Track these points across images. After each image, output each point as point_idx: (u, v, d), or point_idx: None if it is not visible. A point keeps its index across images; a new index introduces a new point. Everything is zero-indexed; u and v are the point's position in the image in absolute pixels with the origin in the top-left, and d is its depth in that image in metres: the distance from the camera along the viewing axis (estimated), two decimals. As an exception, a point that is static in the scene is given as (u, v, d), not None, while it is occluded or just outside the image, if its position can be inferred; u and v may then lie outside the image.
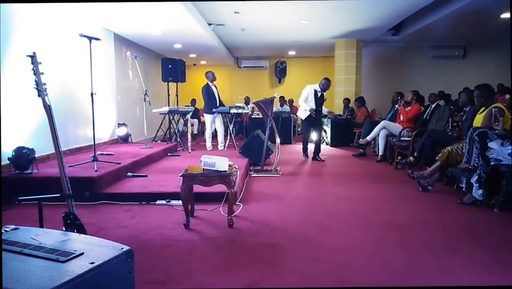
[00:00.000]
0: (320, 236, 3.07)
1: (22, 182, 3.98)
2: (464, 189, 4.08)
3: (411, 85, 8.98)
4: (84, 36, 4.51)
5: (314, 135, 6.84)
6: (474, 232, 3.17)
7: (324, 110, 7.43)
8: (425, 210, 3.79)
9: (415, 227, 3.25)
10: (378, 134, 6.58)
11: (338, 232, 3.15)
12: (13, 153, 4.13)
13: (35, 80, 2.34)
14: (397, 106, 6.87)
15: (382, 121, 6.70)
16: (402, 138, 5.99)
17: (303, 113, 6.65)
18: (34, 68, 2.35)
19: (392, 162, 6.26)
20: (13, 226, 1.72)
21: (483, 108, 4.22)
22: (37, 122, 4.64)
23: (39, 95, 2.35)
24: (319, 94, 6.59)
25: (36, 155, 4.30)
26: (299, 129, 11.25)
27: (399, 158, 5.91)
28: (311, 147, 6.93)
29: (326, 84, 6.58)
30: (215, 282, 2.26)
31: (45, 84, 2.37)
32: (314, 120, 6.65)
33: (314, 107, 6.51)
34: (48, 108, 2.36)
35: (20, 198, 2.38)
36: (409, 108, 6.44)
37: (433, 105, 6.68)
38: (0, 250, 1.42)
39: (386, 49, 11.53)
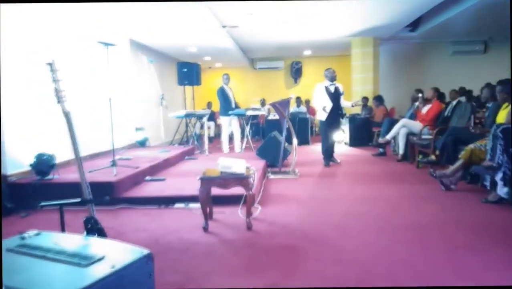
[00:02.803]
0: (339, 237, 3.02)
1: (44, 188, 4.06)
2: (488, 187, 3.96)
3: (430, 82, 8.80)
4: (101, 42, 4.58)
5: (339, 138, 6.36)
6: (499, 231, 3.07)
7: (348, 104, 6.39)
8: (448, 209, 3.69)
9: (438, 227, 3.17)
10: (398, 133, 6.46)
11: (357, 233, 3.10)
12: (34, 159, 4.23)
13: (54, 88, 2.38)
14: (416, 103, 6.74)
15: (402, 120, 6.57)
16: (423, 137, 5.87)
17: (322, 113, 6.10)
18: (53, 75, 2.39)
19: (413, 161, 6.13)
20: (35, 231, 1.74)
21: (507, 104, 4.10)
22: (57, 128, 4.72)
23: (58, 102, 2.40)
24: (332, 89, 6.06)
25: (57, 161, 4.39)
26: (316, 129, 11.20)
27: (420, 156, 5.79)
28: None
29: (329, 74, 6.08)
30: (235, 285, 2.25)
31: (63, 91, 2.41)
32: (334, 120, 6.16)
33: (331, 105, 5.97)
34: (67, 115, 2.40)
35: (42, 204, 2.42)
36: (429, 105, 6.30)
37: (454, 102, 6.54)
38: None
39: (404, 46, 11.34)
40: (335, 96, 6.07)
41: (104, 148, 6.11)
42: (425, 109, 6.33)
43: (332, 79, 6.11)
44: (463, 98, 7.51)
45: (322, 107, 6.02)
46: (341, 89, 6.18)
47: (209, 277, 2.35)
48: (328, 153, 6.30)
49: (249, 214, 3.26)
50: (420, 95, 6.66)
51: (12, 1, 4.28)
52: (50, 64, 2.39)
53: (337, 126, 6.43)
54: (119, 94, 6.63)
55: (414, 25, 9.67)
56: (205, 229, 3.20)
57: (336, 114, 6.15)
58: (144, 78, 8.58)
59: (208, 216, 3.31)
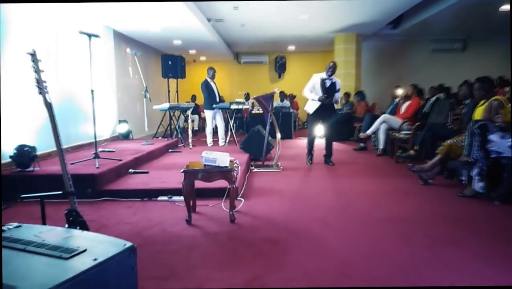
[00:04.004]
0: (322, 230, 3.07)
1: (24, 180, 3.99)
2: (464, 182, 4.09)
3: (411, 79, 8.97)
4: (84, 33, 4.50)
5: (322, 133, 5.99)
6: (475, 225, 3.18)
7: (337, 97, 5.81)
8: (426, 203, 3.80)
9: (417, 221, 3.26)
10: (379, 128, 6.58)
11: (339, 227, 3.16)
12: (15, 151, 4.14)
13: (36, 78, 2.34)
14: (397, 100, 6.86)
15: (382, 115, 6.70)
16: (402, 132, 5.99)
17: (310, 106, 5.76)
18: (35, 66, 2.35)
19: (392, 156, 6.26)
20: (16, 224, 1.72)
21: (483, 101, 4.22)
22: (38, 120, 4.64)
23: (40, 93, 2.36)
24: (328, 83, 5.63)
25: (38, 153, 4.31)
26: (300, 123, 11.29)
27: (399, 151, 5.92)
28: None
29: (329, 67, 5.64)
30: (218, 278, 2.27)
31: (45, 82, 2.37)
32: (323, 115, 5.71)
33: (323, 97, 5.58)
34: (49, 106, 2.37)
35: (22, 196, 2.38)
36: (408, 102, 6.43)
37: (433, 99, 6.68)
38: (0, 248, 1.43)
39: (385, 43, 11.51)
40: (328, 92, 5.64)
41: (86, 140, 6.03)
42: (404, 106, 6.45)
43: (330, 74, 5.64)
44: (442, 95, 7.67)
45: (318, 97, 5.62)
46: (338, 85, 5.74)
47: (193, 270, 2.37)
48: (313, 153, 6.00)
49: (232, 207, 3.29)
50: (400, 92, 6.78)
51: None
52: (32, 54, 2.35)
53: (329, 122, 5.89)
54: (102, 86, 6.54)
55: (396, 23, 9.81)
56: (188, 222, 3.21)
57: (325, 109, 5.70)
58: (127, 70, 8.47)
59: (191, 209, 3.32)
